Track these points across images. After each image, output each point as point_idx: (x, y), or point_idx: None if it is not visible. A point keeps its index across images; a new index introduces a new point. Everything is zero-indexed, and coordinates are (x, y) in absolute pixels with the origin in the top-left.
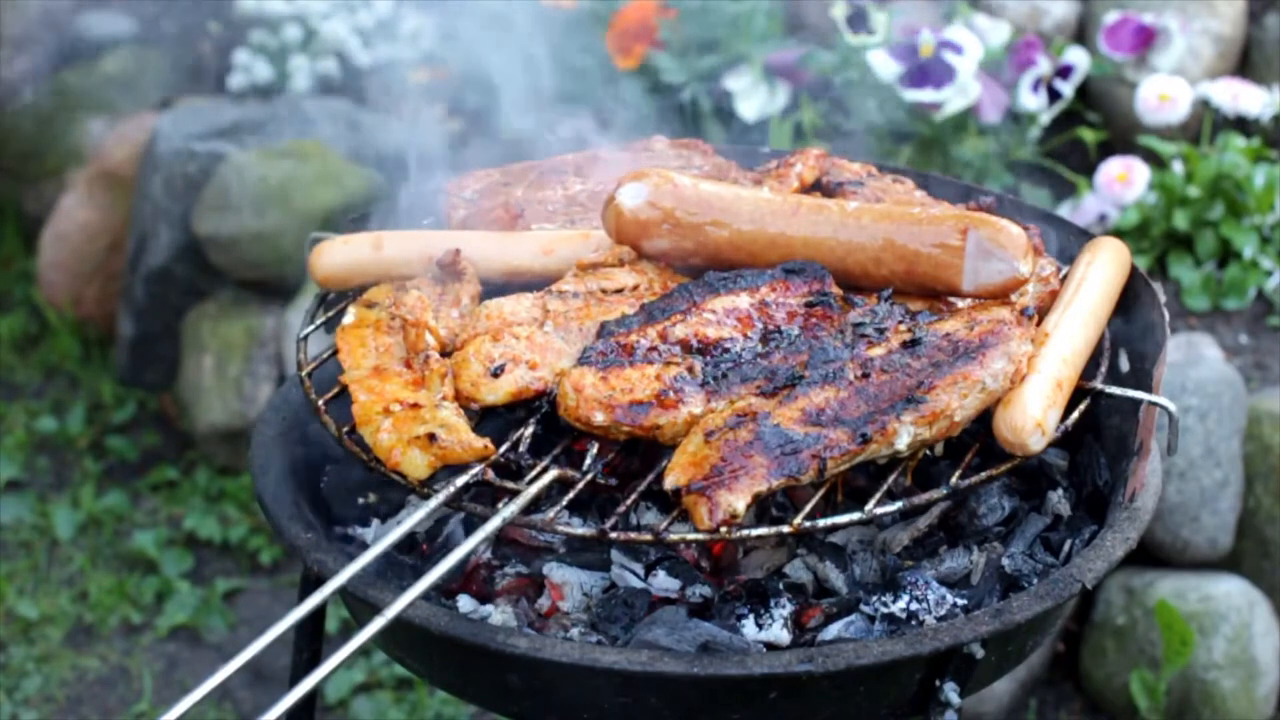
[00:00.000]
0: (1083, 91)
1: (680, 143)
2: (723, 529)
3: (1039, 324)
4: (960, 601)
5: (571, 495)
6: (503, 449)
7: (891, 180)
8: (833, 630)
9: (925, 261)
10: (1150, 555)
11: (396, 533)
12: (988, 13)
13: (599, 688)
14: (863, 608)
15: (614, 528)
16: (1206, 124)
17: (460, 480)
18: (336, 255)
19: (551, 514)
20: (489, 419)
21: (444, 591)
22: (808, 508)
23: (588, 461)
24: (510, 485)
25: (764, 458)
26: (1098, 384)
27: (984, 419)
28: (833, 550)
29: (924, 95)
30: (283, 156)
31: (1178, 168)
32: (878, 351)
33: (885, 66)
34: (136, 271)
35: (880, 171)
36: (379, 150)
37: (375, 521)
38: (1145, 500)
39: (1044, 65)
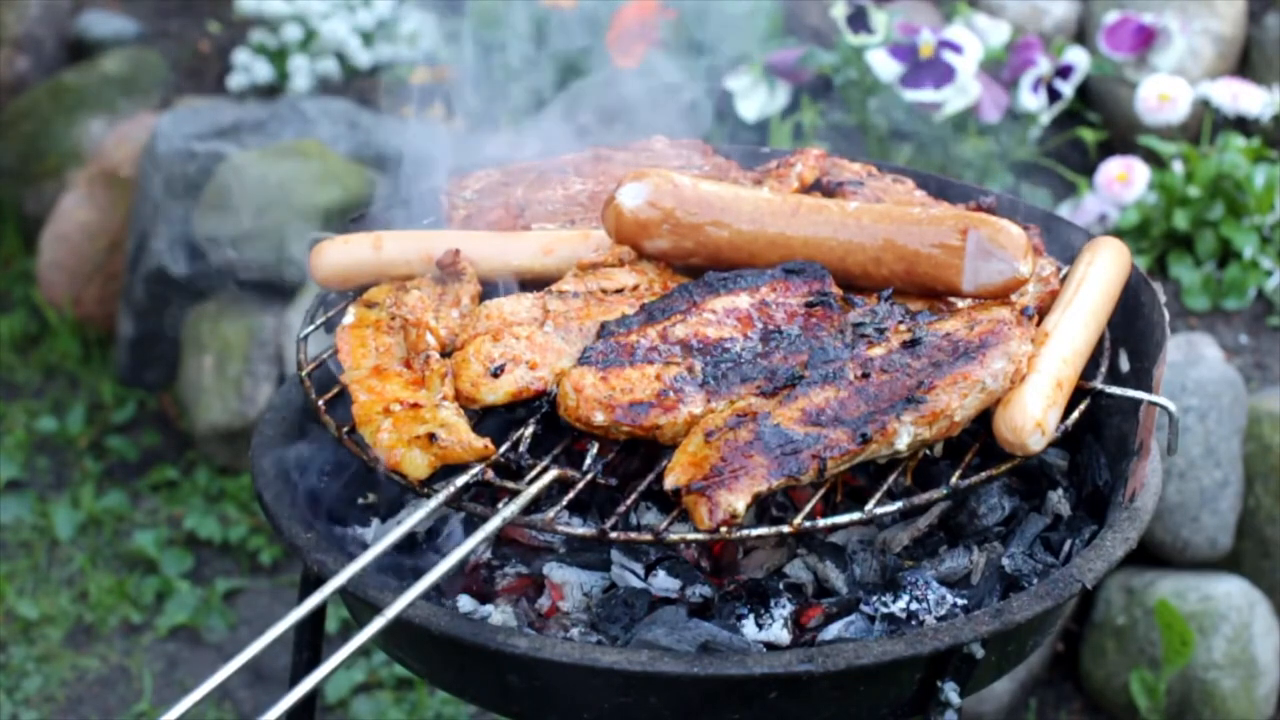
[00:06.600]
0: (1083, 91)
1: (680, 143)
2: (723, 529)
3: (1039, 324)
4: (960, 601)
5: (571, 495)
6: (503, 449)
7: (891, 180)
8: (833, 630)
9: (925, 261)
10: (1150, 555)
11: (396, 533)
12: (988, 13)
13: (599, 688)
14: (863, 608)
15: (614, 528)
16: (1206, 124)
17: (460, 480)
18: (336, 255)
19: (551, 514)
20: (489, 419)
21: (444, 591)
22: (808, 508)
23: (588, 461)
24: (510, 485)
25: (764, 458)
26: (1098, 384)
27: (984, 419)
28: (833, 550)
29: (924, 95)
30: (283, 156)
31: (1178, 168)
32: (878, 351)
33: (885, 66)
34: (136, 271)
35: (880, 171)
36: (379, 150)
37: (375, 521)
38: (1145, 500)
39: (1044, 65)
